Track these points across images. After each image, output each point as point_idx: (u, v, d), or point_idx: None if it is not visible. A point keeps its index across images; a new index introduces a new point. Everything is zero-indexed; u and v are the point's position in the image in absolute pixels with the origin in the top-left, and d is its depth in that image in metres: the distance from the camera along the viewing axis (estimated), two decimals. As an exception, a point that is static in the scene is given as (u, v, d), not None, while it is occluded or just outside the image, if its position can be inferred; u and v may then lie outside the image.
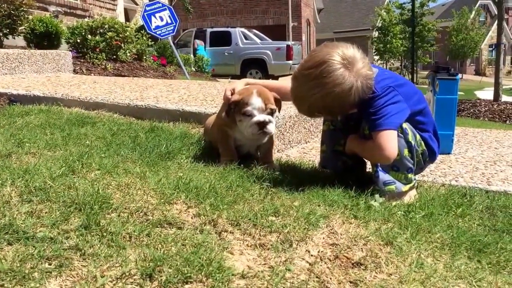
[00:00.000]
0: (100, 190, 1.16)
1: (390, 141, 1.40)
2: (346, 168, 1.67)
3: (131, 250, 0.91)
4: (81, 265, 0.84)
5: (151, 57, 6.80)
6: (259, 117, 1.61)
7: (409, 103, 1.46)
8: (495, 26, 13.00)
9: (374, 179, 1.50)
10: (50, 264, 0.83)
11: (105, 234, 0.95)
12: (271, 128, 1.63)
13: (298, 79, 1.45)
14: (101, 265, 0.84)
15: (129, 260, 0.87)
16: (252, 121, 1.61)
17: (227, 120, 1.68)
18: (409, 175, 1.47)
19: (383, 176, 1.47)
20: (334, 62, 1.37)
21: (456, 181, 1.69)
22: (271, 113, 1.64)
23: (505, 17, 13.12)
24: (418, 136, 1.50)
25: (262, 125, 1.61)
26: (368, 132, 1.47)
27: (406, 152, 1.46)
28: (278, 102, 1.70)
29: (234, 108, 1.64)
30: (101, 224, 0.99)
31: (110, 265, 0.85)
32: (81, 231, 0.95)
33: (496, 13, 12.43)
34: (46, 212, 1.02)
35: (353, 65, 1.38)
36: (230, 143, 1.74)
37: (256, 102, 1.61)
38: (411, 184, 1.48)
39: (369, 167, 1.73)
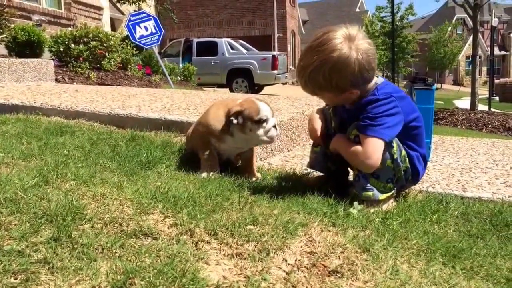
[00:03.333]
0: (74, 200, 1.13)
1: (377, 150, 1.40)
2: (329, 173, 1.68)
3: (103, 263, 0.89)
4: (49, 279, 0.81)
5: (136, 66, 6.76)
6: (273, 120, 1.64)
7: (406, 118, 1.47)
8: (471, 38, 13.44)
9: (353, 183, 1.51)
10: (15, 279, 0.81)
11: (76, 246, 0.93)
12: (278, 130, 1.68)
13: (302, 53, 1.50)
14: (70, 278, 0.82)
15: (100, 272, 0.85)
16: (270, 126, 1.62)
17: (219, 131, 1.67)
18: (388, 185, 1.48)
19: (363, 182, 1.48)
20: (335, 34, 1.40)
21: (432, 187, 1.72)
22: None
23: (481, 30, 13.59)
24: (404, 152, 1.49)
25: (275, 127, 1.65)
26: (353, 136, 1.46)
27: (389, 162, 1.46)
28: None
29: (237, 119, 1.63)
30: (72, 236, 0.96)
31: (80, 279, 0.83)
32: (50, 244, 0.92)
33: (472, 26, 12.87)
34: (15, 224, 0.99)
35: (353, 40, 1.39)
36: (212, 151, 1.73)
37: (264, 107, 1.63)
38: (389, 194, 1.49)
39: (351, 173, 1.75)
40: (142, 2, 10.64)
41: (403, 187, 1.60)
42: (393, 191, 1.50)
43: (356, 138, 1.45)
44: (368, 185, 1.47)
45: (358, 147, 1.43)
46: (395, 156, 1.47)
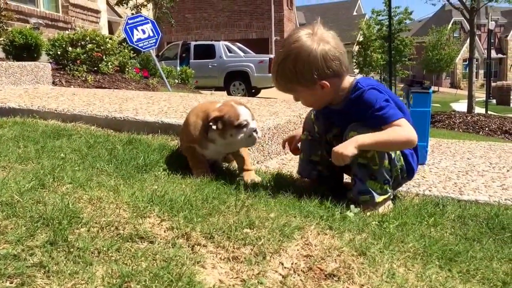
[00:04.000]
0: (70, 204, 1.13)
1: (408, 126, 1.39)
2: (322, 178, 1.68)
3: (99, 266, 0.89)
4: (44, 283, 0.81)
5: (134, 69, 6.76)
6: (253, 124, 1.63)
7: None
8: (468, 41, 13.55)
9: (350, 188, 1.52)
10: (11, 283, 0.80)
11: (72, 250, 0.93)
12: (259, 133, 1.67)
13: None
14: (65, 282, 0.82)
15: (96, 276, 0.85)
16: (250, 130, 1.62)
17: (200, 139, 1.67)
18: (385, 186, 1.49)
19: (360, 186, 1.48)
20: (300, 30, 1.45)
21: (429, 191, 1.73)
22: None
23: (477, 33, 13.71)
24: (398, 151, 1.51)
25: (256, 131, 1.64)
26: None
27: (386, 163, 1.47)
28: None
29: (216, 125, 1.62)
30: (68, 239, 0.96)
31: (75, 283, 0.82)
32: (46, 248, 0.92)
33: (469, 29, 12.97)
34: (11, 228, 0.99)
35: (316, 34, 1.43)
36: (200, 157, 1.74)
37: (244, 112, 1.62)
38: (385, 196, 1.49)
39: (346, 177, 1.75)
40: (143, 7, 10.68)
41: (399, 184, 1.61)
42: (389, 194, 1.51)
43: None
44: (365, 188, 1.47)
45: (391, 131, 1.38)
46: (392, 156, 1.48)
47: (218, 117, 1.61)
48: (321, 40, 1.41)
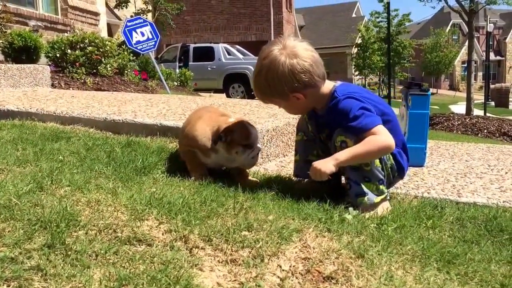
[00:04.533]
0: (68, 207, 1.13)
1: (384, 133, 1.42)
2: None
3: (96, 269, 0.89)
4: (42, 286, 0.81)
5: (133, 72, 6.77)
6: (259, 147, 1.70)
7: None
8: (467, 43, 13.59)
9: (347, 192, 1.52)
10: (8, 286, 0.80)
11: (69, 253, 0.92)
12: (259, 155, 1.74)
13: None
14: (63, 285, 0.82)
15: (93, 279, 0.85)
16: (256, 152, 1.67)
17: (206, 146, 1.68)
18: (381, 186, 1.50)
19: (356, 189, 1.49)
20: (273, 44, 1.50)
21: (428, 193, 1.73)
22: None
23: (476, 35, 13.74)
24: None
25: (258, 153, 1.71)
26: (339, 143, 1.47)
27: (377, 162, 1.49)
28: None
29: (226, 139, 1.65)
30: (66, 242, 0.96)
31: (73, 286, 0.82)
32: (44, 251, 0.92)
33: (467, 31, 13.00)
34: (8, 231, 0.99)
35: (286, 47, 1.46)
36: (198, 160, 1.74)
37: (254, 133, 1.67)
38: (382, 196, 1.50)
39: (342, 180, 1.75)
40: (143, 13, 10.74)
41: (391, 184, 1.64)
42: (386, 194, 1.51)
43: (343, 143, 1.46)
44: (361, 191, 1.48)
45: (366, 142, 1.41)
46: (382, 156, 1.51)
47: (230, 130, 1.64)
48: (289, 54, 1.45)
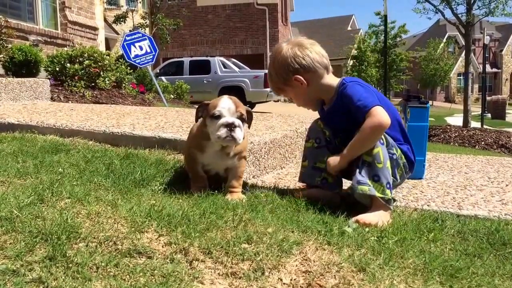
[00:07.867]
0: (68, 219, 1.13)
1: (380, 113, 1.49)
2: (325, 186, 1.70)
3: (97, 282, 0.88)
4: (42, 299, 0.80)
5: (130, 85, 6.81)
6: (228, 118, 1.53)
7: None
8: (463, 55, 13.75)
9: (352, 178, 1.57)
10: (9, 299, 0.79)
11: (70, 265, 0.92)
12: (239, 134, 1.53)
13: None
14: (64, 298, 0.81)
15: (94, 292, 0.84)
16: (220, 122, 1.52)
17: (197, 136, 1.68)
18: (387, 191, 1.51)
19: (360, 177, 1.51)
20: (282, 42, 1.70)
21: (428, 205, 1.72)
22: (241, 117, 1.57)
23: (472, 47, 13.89)
24: (399, 151, 1.62)
25: (230, 127, 1.52)
26: None
27: (388, 164, 1.53)
28: (249, 114, 1.68)
29: (203, 112, 1.64)
30: (67, 255, 0.95)
31: (74, 298, 0.81)
32: (45, 263, 0.91)
33: (464, 44, 13.16)
34: (10, 243, 0.98)
35: (292, 41, 1.67)
36: (198, 169, 1.71)
37: (225, 103, 1.57)
38: (382, 195, 1.50)
39: (346, 184, 1.76)
40: (144, 28, 10.87)
41: (403, 179, 1.74)
42: (390, 198, 1.52)
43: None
44: (366, 180, 1.50)
45: (363, 127, 1.49)
46: (395, 156, 1.58)
47: (205, 104, 1.64)
48: (293, 43, 1.64)
